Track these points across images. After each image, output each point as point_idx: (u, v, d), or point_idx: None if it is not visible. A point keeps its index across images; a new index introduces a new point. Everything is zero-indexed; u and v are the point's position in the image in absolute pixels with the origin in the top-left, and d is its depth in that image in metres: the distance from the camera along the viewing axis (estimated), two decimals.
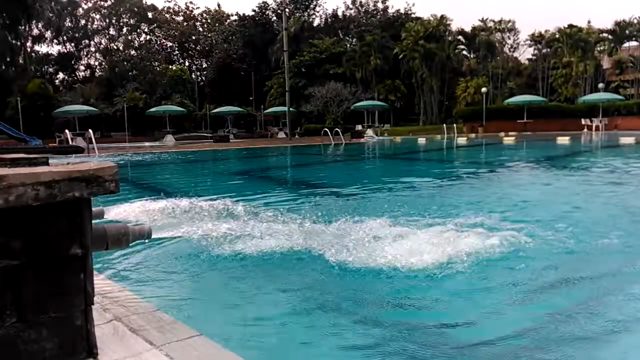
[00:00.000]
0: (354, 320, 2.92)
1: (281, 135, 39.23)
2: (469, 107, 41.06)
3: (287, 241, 4.17)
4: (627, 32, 43.12)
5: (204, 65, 58.99)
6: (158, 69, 50.05)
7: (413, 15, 52.61)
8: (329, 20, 56.44)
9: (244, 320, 3.02)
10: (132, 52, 52.93)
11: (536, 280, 3.48)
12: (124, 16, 54.84)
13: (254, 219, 5.08)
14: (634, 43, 44.14)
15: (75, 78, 53.99)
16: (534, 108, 36.27)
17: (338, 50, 47.92)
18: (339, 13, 56.69)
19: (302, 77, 46.27)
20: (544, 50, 47.04)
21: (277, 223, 4.88)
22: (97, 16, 54.08)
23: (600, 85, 39.98)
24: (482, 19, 47.76)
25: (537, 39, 47.53)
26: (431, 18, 48.06)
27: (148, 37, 56.14)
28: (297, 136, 37.44)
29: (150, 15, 55.88)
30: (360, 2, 55.35)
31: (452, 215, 5.29)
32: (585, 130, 32.79)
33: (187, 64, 58.75)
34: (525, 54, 50.76)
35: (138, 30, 55.82)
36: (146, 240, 3.30)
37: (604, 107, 34.03)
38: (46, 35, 49.96)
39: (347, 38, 54.90)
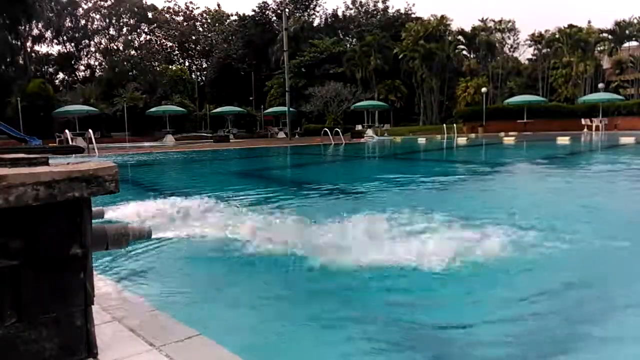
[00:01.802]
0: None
1: (281, 135, 39.24)
2: (469, 107, 41.06)
3: (282, 241, 4.16)
4: (627, 32, 43.14)
5: (204, 65, 59.05)
6: (158, 69, 50.06)
7: (413, 16, 52.69)
8: (329, 20, 56.51)
9: (245, 320, 3.02)
10: (132, 52, 52.93)
11: None
12: (124, 16, 54.84)
13: (256, 218, 5.08)
14: (634, 43, 44.16)
15: (75, 78, 53.99)
16: (533, 108, 36.26)
17: (338, 50, 47.96)
18: (339, 13, 56.83)
19: (302, 77, 46.29)
20: (544, 50, 47.07)
21: (278, 222, 4.88)
22: (97, 16, 54.09)
23: (600, 85, 39.99)
24: (482, 19, 47.82)
25: (537, 39, 47.57)
26: (431, 18, 48.12)
27: (148, 37, 56.17)
28: (297, 136, 37.46)
29: (150, 15, 55.89)
30: (360, 2, 55.44)
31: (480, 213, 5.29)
32: (585, 130, 32.80)
33: (187, 64, 58.80)
34: (525, 54, 50.85)
35: (138, 30, 55.83)
36: (146, 240, 3.30)
37: (604, 107, 34.02)
38: (46, 35, 49.95)
39: (347, 38, 54.97)
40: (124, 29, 55.55)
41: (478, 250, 3.80)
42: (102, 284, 2.85)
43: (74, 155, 17.55)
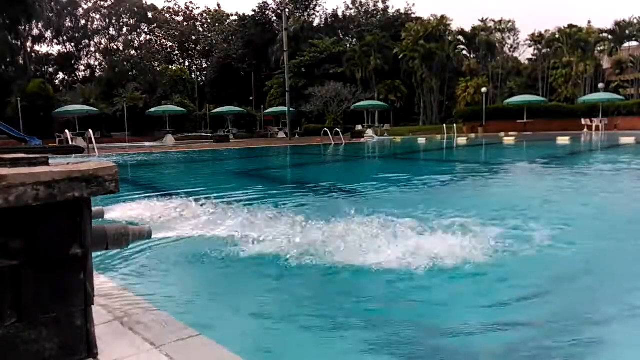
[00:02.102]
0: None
1: (281, 135, 39.25)
2: (469, 107, 41.08)
3: (282, 241, 4.16)
4: (627, 32, 43.14)
5: (204, 65, 59.03)
6: (158, 69, 50.08)
7: (413, 16, 52.70)
8: (329, 20, 56.51)
9: (245, 320, 3.02)
10: (132, 52, 52.96)
11: None
12: (124, 16, 54.86)
13: (257, 218, 5.07)
14: (634, 43, 44.17)
15: (75, 78, 54.00)
16: (533, 108, 36.28)
17: (338, 50, 47.95)
18: (339, 13, 56.83)
19: (302, 77, 46.31)
20: (544, 50, 47.08)
21: (277, 221, 4.88)
22: (97, 16, 54.11)
23: (600, 85, 39.99)
24: (482, 19, 47.84)
25: (537, 39, 47.59)
26: (431, 18, 48.12)
27: (148, 37, 56.19)
28: (297, 136, 37.48)
29: (150, 15, 55.91)
30: (360, 2, 55.44)
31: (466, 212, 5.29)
32: (585, 130, 32.82)
33: (187, 64, 58.79)
34: (525, 54, 50.84)
35: (138, 30, 55.85)
36: (146, 240, 3.29)
37: (604, 107, 34.03)
38: (46, 35, 49.97)
39: (347, 38, 54.99)
40: (124, 29, 55.57)
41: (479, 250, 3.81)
42: (102, 284, 2.85)
43: (74, 155, 17.56)
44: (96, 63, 55.49)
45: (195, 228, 4.61)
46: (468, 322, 2.77)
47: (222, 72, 52.33)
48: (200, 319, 2.68)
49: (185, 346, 1.99)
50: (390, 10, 54.83)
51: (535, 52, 48.79)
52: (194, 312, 3.02)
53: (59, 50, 52.35)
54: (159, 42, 56.32)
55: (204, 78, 57.59)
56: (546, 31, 47.24)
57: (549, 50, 46.34)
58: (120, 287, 2.93)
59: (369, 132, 35.23)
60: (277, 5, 53.78)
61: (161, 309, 2.51)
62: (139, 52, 52.80)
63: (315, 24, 55.45)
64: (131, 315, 2.31)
